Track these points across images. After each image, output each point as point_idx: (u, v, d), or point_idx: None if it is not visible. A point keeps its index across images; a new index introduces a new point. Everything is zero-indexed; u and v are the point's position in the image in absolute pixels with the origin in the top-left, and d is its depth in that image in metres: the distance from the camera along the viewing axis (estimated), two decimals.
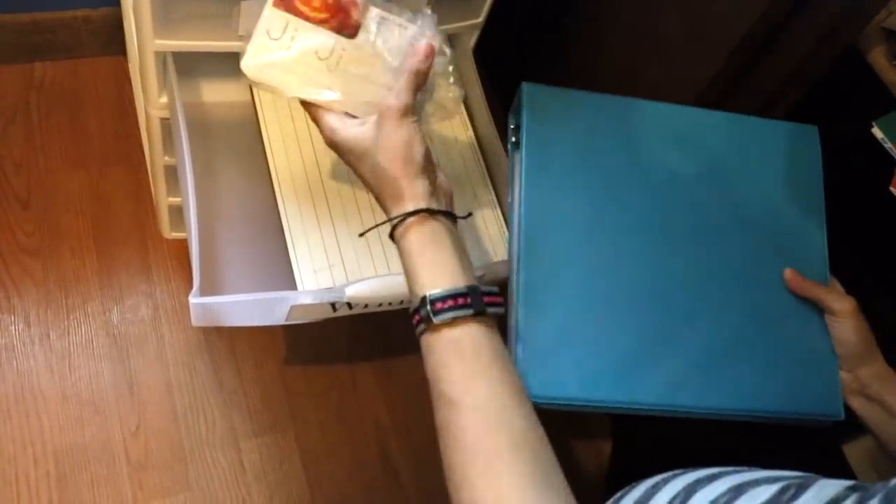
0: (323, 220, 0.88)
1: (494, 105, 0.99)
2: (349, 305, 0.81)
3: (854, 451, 0.95)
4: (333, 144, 0.69)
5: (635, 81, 1.10)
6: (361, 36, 0.69)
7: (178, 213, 1.20)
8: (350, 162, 0.69)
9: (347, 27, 0.69)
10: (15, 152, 1.31)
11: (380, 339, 1.28)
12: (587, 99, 0.82)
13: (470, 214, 0.69)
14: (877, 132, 1.01)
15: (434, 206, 0.64)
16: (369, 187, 0.68)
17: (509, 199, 0.76)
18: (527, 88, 0.79)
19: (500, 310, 0.61)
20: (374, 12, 0.70)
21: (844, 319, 0.76)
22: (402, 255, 0.64)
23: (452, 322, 0.58)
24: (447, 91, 0.73)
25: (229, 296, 0.76)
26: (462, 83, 0.72)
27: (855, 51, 1.02)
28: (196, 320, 0.78)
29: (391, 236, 0.66)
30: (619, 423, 0.93)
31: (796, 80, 0.97)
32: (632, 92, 1.10)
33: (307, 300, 0.78)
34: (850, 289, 0.80)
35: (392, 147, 0.65)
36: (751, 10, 0.89)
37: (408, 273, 0.63)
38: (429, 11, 0.71)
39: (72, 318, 1.19)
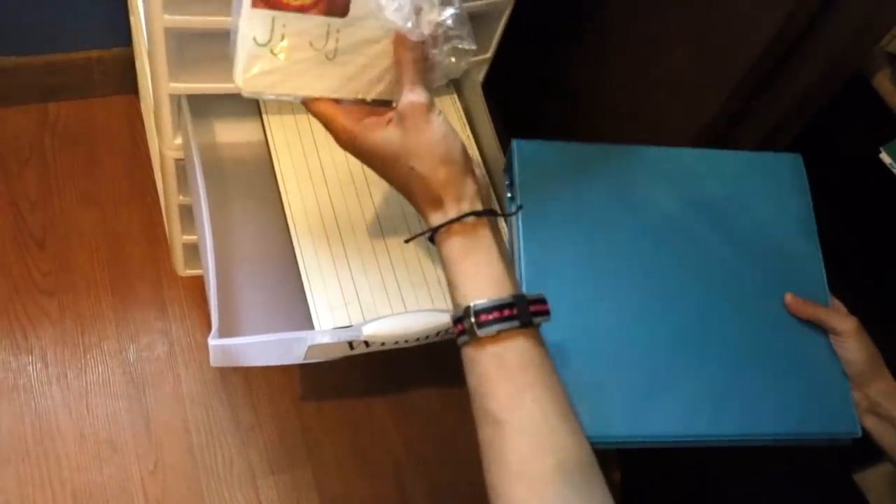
0: (338, 258, 0.89)
1: (504, 139, 1.00)
2: (366, 344, 0.81)
3: (872, 480, 0.94)
4: (353, 150, 0.64)
5: (642, 110, 1.11)
6: (353, 10, 0.62)
7: (191, 250, 1.21)
8: (374, 167, 0.64)
9: (337, 6, 0.62)
10: (31, 192, 1.33)
11: (394, 374, 1.28)
12: (578, 150, 0.84)
13: (521, 207, 0.64)
14: (885, 157, 1.01)
15: (479, 207, 0.60)
16: (400, 190, 0.64)
17: (509, 253, 0.77)
18: (517, 145, 0.81)
19: (546, 318, 0.58)
20: None
21: (848, 339, 0.77)
22: (443, 261, 0.60)
23: (497, 335, 0.55)
24: (451, 49, 0.66)
25: (248, 337, 0.77)
26: (470, 35, 0.65)
27: (860, 75, 1.03)
28: (215, 361, 0.79)
29: (431, 240, 0.62)
30: (626, 459, 0.93)
31: (803, 106, 0.98)
32: (639, 121, 1.12)
33: (325, 339, 0.78)
34: (862, 311, 0.81)
35: (425, 150, 0.60)
36: (757, 40, 0.90)
37: (450, 280, 0.60)
38: None
39: (88, 356, 1.20)
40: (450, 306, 0.87)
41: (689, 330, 0.77)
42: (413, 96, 0.61)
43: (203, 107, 0.98)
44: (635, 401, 0.73)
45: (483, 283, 0.58)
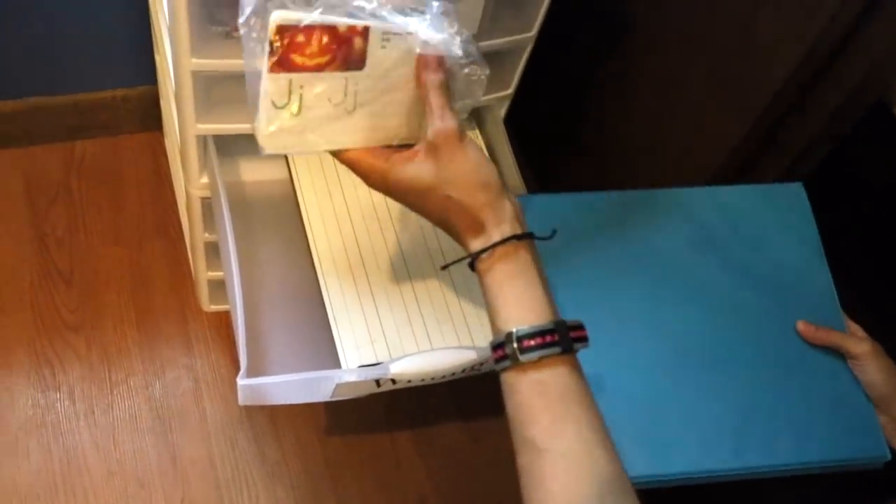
0: (364, 295, 0.89)
1: (526, 173, 1.01)
2: (393, 381, 0.82)
3: None
4: (385, 189, 0.64)
5: (664, 145, 1.12)
6: (370, 61, 0.62)
7: (216, 286, 1.22)
8: (408, 202, 0.64)
9: (353, 60, 0.62)
10: (58, 230, 1.35)
11: (418, 406, 1.28)
12: (581, 199, 0.85)
13: (555, 232, 0.64)
14: None
15: (518, 229, 0.60)
16: (437, 222, 0.64)
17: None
18: (519, 202, 0.82)
19: (585, 345, 0.58)
20: (378, 32, 0.61)
21: (865, 362, 0.76)
22: (484, 286, 0.60)
23: (539, 361, 0.55)
24: (466, 77, 0.65)
25: (276, 377, 0.77)
26: (481, 60, 0.65)
27: (881, 104, 1.03)
28: (243, 400, 0.79)
29: (471, 266, 0.61)
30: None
31: (824, 137, 0.98)
32: (661, 155, 1.12)
33: (352, 378, 0.79)
34: (886, 335, 0.80)
35: (462, 176, 0.60)
36: (777, 74, 0.90)
37: (490, 304, 0.59)
38: (433, 4, 0.63)
39: (115, 393, 1.21)
40: (474, 341, 0.88)
41: (705, 365, 0.77)
42: (442, 123, 0.60)
43: (228, 146, 0.99)
44: (654, 440, 0.73)
45: (525, 308, 0.58)
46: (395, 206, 0.96)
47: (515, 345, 0.56)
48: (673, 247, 0.83)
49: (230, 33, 0.83)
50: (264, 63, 0.60)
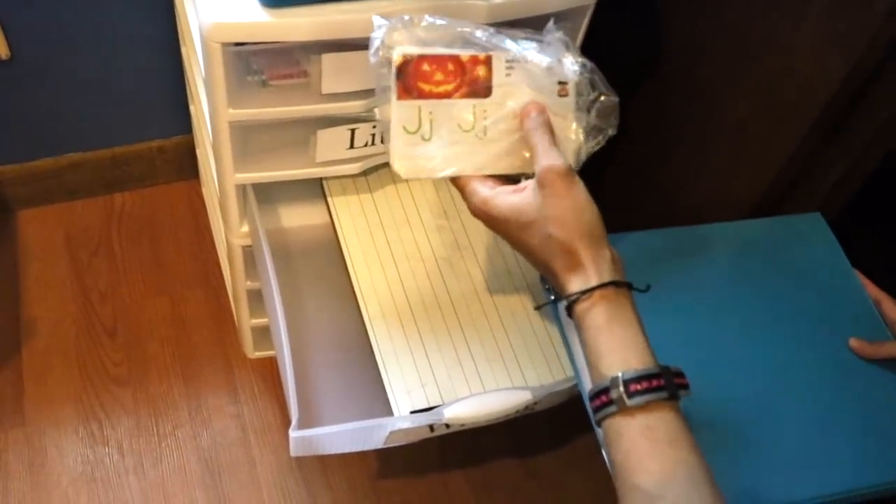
0: (412, 338, 0.88)
1: None
2: (447, 426, 0.80)
3: None
4: (484, 215, 0.64)
5: (708, 165, 1.09)
6: (497, 91, 0.66)
7: (260, 333, 1.22)
8: (506, 231, 0.64)
9: (479, 88, 0.65)
10: (100, 283, 1.35)
11: (470, 446, 1.25)
12: (631, 239, 0.83)
13: (649, 287, 0.64)
14: None
15: (618, 277, 0.60)
16: (532, 257, 0.63)
17: (567, 353, 0.73)
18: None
19: (688, 392, 0.57)
20: (501, 61, 0.65)
21: None
22: (583, 330, 0.59)
23: (646, 406, 0.55)
24: (599, 110, 0.69)
25: (328, 427, 0.76)
26: (609, 89, 0.68)
27: None
28: (295, 452, 0.78)
29: (568, 310, 0.61)
30: None
31: (872, 150, 0.95)
32: (704, 180, 1.10)
33: (405, 425, 0.77)
34: None
35: (566, 215, 0.60)
36: (822, 91, 0.88)
37: (591, 349, 0.59)
38: (553, 28, 0.67)
39: (163, 445, 1.20)
40: (526, 379, 0.86)
41: (758, 398, 0.74)
42: (548, 160, 0.61)
43: (268, 193, 0.98)
44: (744, 477, 0.70)
45: (629, 352, 0.57)
46: (439, 246, 0.94)
47: (622, 389, 0.55)
48: (717, 283, 0.81)
49: (266, 82, 0.83)
50: (392, 90, 0.64)
